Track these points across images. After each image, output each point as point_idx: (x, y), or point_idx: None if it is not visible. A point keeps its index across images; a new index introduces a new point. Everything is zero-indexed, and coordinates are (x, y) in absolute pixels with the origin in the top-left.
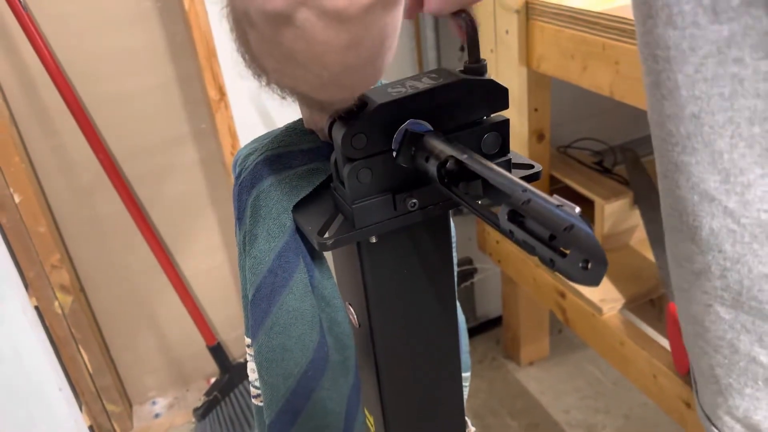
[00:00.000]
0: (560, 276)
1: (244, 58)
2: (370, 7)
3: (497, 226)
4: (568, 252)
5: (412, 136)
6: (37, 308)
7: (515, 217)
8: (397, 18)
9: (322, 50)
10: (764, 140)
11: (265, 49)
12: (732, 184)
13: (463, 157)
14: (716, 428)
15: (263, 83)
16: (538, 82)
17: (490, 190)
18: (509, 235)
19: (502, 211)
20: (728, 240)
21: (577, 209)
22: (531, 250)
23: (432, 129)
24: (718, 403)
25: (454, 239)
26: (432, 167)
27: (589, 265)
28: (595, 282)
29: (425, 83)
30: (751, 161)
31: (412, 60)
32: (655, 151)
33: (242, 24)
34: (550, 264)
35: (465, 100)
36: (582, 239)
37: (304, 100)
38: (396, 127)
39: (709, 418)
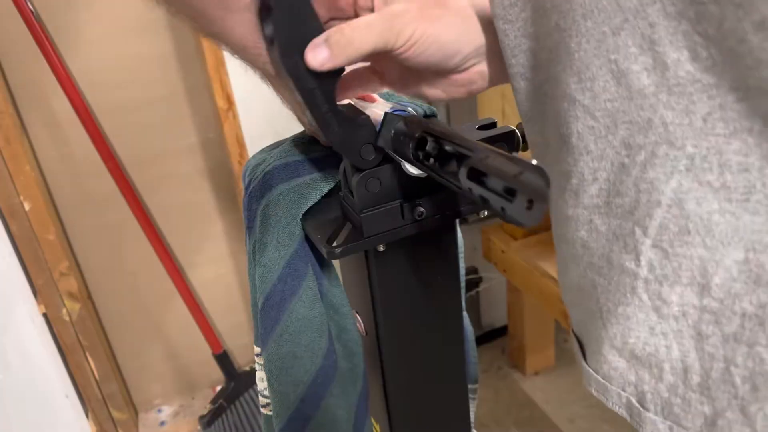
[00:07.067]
0: None
1: None
2: None
3: (458, 187)
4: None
5: (392, 118)
6: (45, 315)
7: (475, 175)
8: None
9: None
10: (596, 32)
11: None
12: (584, 82)
13: (429, 126)
14: (602, 378)
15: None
16: None
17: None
18: (468, 192)
19: (461, 171)
20: (591, 138)
21: (534, 161)
22: (485, 203)
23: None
24: (602, 338)
25: (461, 249)
26: (409, 146)
27: (534, 205)
28: (535, 220)
29: None
30: (591, 55)
31: None
32: (546, 85)
33: None
34: (502, 212)
35: None
36: (529, 182)
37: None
38: None
39: (595, 371)
